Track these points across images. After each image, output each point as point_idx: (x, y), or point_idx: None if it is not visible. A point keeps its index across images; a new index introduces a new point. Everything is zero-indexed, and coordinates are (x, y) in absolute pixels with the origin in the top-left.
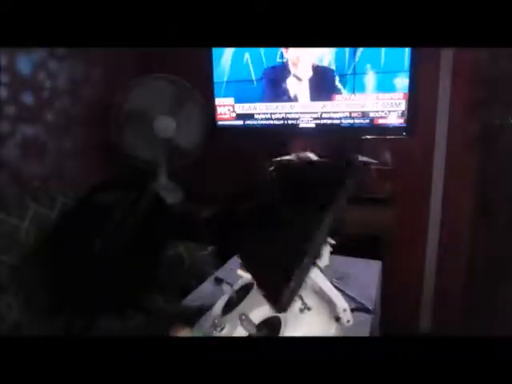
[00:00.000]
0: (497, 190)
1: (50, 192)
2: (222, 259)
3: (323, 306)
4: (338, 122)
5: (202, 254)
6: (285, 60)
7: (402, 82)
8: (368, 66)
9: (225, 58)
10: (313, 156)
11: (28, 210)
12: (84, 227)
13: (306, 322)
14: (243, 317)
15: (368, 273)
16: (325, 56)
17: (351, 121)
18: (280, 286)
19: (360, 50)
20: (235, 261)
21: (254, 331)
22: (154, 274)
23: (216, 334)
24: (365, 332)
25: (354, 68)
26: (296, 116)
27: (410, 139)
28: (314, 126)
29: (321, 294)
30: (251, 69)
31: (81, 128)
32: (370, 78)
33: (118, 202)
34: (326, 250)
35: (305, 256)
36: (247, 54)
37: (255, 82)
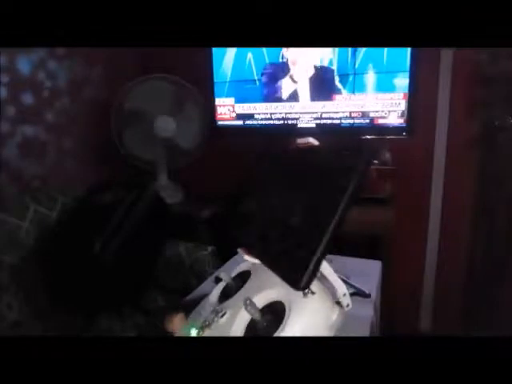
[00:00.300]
0: (497, 190)
1: (50, 192)
2: (221, 259)
3: (325, 291)
4: (338, 122)
5: (201, 253)
6: (285, 60)
7: (402, 82)
8: (368, 66)
9: (225, 58)
10: (313, 141)
11: (28, 210)
12: (84, 227)
13: (309, 306)
14: (248, 301)
15: (368, 273)
16: (325, 56)
17: (351, 121)
18: (302, 265)
19: (360, 49)
20: (235, 261)
21: (258, 316)
22: (153, 274)
23: (217, 320)
24: (365, 332)
25: (354, 68)
26: (296, 116)
27: (410, 139)
28: (314, 125)
29: (322, 279)
30: (251, 69)
31: (81, 128)
32: (370, 78)
33: (118, 202)
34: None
35: (326, 235)
36: (247, 54)
37: (255, 82)
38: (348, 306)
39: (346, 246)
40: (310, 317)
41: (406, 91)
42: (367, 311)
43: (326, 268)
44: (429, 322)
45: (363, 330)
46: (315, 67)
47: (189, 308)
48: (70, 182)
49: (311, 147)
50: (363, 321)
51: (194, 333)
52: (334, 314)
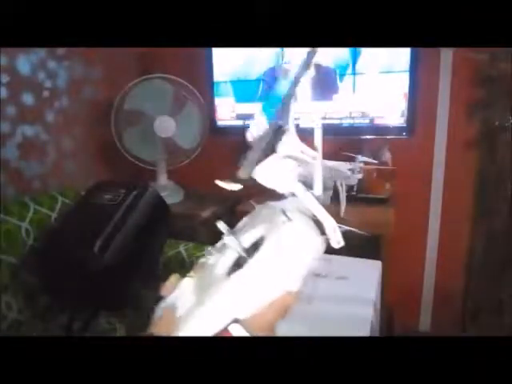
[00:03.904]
0: (497, 190)
1: (50, 192)
2: None
3: (308, 222)
4: (338, 121)
5: (202, 253)
6: (285, 60)
7: (402, 82)
8: (368, 65)
9: (225, 58)
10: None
11: (28, 210)
12: (84, 227)
13: (287, 233)
14: (227, 231)
15: (368, 273)
16: (325, 56)
17: (351, 121)
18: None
19: (360, 49)
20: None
21: (240, 250)
22: (153, 274)
23: (206, 261)
24: (365, 332)
25: (354, 68)
26: (296, 116)
27: (409, 139)
28: (314, 126)
29: (309, 215)
30: (252, 69)
31: (81, 128)
32: (370, 78)
33: (118, 202)
34: (318, 182)
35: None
36: (248, 54)
37: (255, 82)
38: (339, 243)
39: (346, 246)
40: (288, 244)
41: (406, 91)
42: (367, 311)
43: (313, 203)
44: (428, 322)
45: (363, 330)
46: (316, 67)
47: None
48: (70, 182)
49: None
50: (363, 321)
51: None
52: (318, 243)
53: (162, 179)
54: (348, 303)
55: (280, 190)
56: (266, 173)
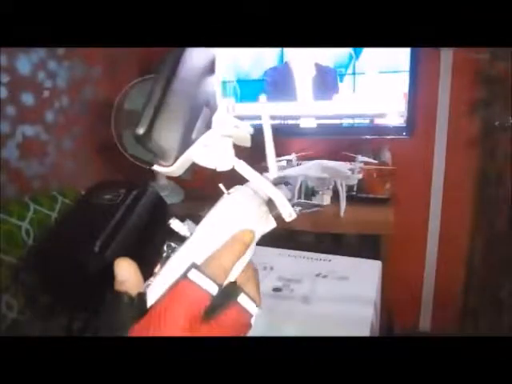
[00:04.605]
0: (497, 190)
1: (50, 192)
2: None
3: (252, 195)
4: (338, 121)
5: None
6: (286, 60)
7: (402, 81)
8: (368, 65)
9: (225, 58)
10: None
11: (28, 210)
12: (84, 227)
13: (227, 203)
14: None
15: (368, 273)
16: (325, 56)
17: (351, 121)
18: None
19: (360, 49)
20: None
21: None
22: (153, 273)
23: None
24: (365, 332)
25: (354, 68)
26: (296, 116)
27: (410, 139)
28: (314, 126)
29: (252, 185)
30: (252, 69)
31: (81, 128)
32: (370, 78)
33: (118, 202)
34: (272, 163)
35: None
36: (248, 54)
37: (256, 82)
38: (291, 215)
39: (346, 246)
40: (228, 212)
41: (406, 91)
42: (367, 311)
43: (253, 175)
44: (428, 322)
45: (363, 330)
46: (316, 67)
47: None
48: (70, 182)
49: None
50: (363, 321)
51: None
52: (261, 210)
53: (162, 179)
54: (348, 303)
55: (220, 168)
56: (203, 151)
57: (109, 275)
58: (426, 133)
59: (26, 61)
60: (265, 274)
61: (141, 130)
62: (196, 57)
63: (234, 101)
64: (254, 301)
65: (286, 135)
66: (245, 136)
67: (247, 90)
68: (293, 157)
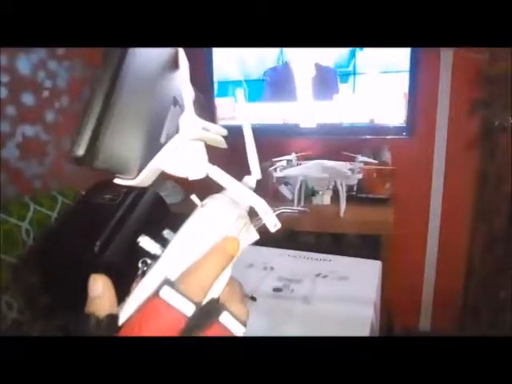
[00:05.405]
0: (497, 190)
1: (50, 192)
2: None
3: (229, 205)
4: (338, 121)
5: None
6: (286, 60)
7: (402, 82)
8: (368, 65)
9: (225, 58)
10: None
11: (28, 210)
12: (84, 227)
13: (200, 217)
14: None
15: (368, 273)
16: (325, 56)
17: (351, 121)
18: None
19: (360, 49)
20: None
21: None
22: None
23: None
24: (365, 332)
25: (355, 68)
26: (297, 116)
27: (410, 139)
28: (314, 126)
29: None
30: (252, 69)
31: None
32: (371, 78)
33: (118, 202)
34: (254, 164)
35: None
36: (248, 54)
37: (256, 82)
38: (275, 226)
39: (346, 246)
40: (198, 228)
41: (406, 91)
42: (367, 311)
43: (230, 183)
44: (428, 322)
45: (363, 330)
46: (316, 67)
47: None
48: (70, 182)
49: None
50: (363, 321)
51: None
52: (242, 218)
53: (162, 179)
54: (348, 303)
55: (192, 176)
56: (172, 159)
57: (109, 275)
58: (426, 133)
59: (25, 61)
60: (265, 274)
61: (80, 151)
62: (148, 51)
63: (233, 101)
64: (239, 320)
65: (286, 135)
66: (216, 139)
67: (247, 90)
68: (293, 157)
